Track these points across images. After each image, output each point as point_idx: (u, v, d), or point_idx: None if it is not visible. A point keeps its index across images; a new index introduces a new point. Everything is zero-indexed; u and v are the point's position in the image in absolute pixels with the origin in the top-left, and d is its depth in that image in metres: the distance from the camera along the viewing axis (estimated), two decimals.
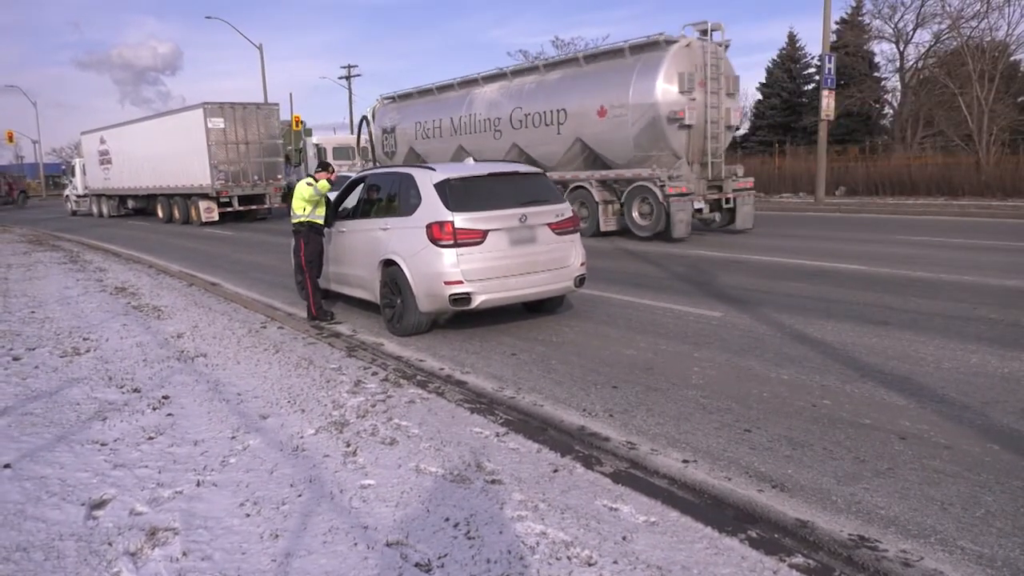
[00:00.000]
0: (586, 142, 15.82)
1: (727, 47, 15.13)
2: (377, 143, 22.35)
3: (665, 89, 14.12)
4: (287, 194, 22.13)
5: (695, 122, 14.34)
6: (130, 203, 31.62)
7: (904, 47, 33.34)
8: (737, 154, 37.16)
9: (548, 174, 10.87)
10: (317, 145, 28.74)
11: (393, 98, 21.94)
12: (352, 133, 31.52)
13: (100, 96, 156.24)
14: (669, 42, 14.40)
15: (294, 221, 8.40)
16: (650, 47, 14.65)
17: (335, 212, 8.69)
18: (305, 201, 8.22)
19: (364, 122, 23.26)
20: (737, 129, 15.55)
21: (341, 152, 27.85)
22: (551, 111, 16.25)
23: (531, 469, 3.94)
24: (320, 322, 8.26)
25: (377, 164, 21.68)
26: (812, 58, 41.71)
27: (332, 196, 8.83)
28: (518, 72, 17.83)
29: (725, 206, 15.40)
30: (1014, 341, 6.22)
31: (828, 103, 22.18)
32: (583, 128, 15.67)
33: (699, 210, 14.83)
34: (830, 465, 4.03)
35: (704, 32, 14.68)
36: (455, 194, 7.07)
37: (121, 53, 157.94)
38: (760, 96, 44.25)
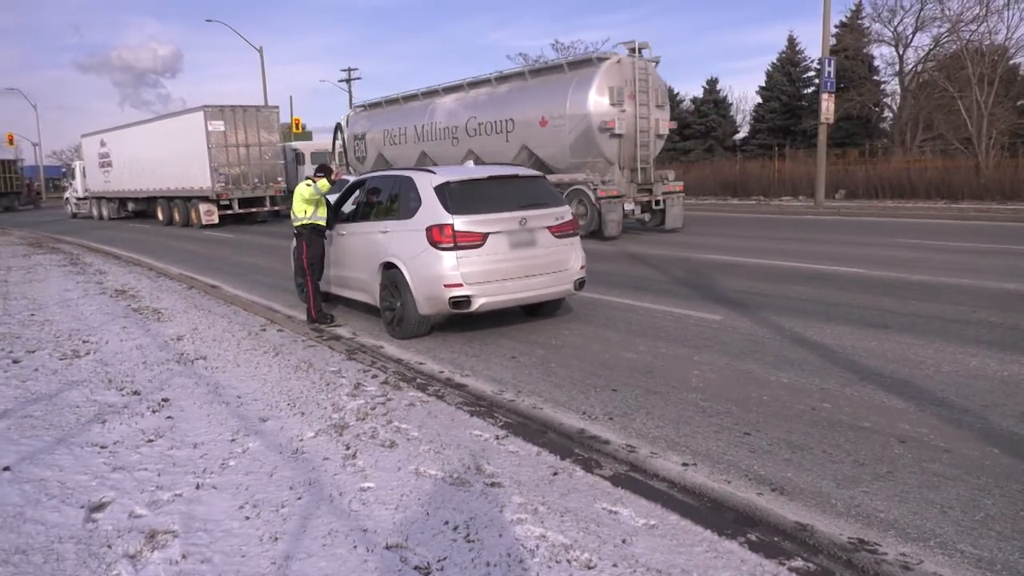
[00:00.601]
0: (531, 149, 17.15)
1: (657, 63, 16.73)
2: (349, 149, 23.83)
3: (597, 101, 15.54)
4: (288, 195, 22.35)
5: (625, 131, 15.81)
6: (130, 206, 31.66)
7: (903, 51, 33.41)
8: (737, 157, 37.27)
9: None
10: (295, 150, 29.00)
11: (364, 106, 23.65)
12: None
13: (100, 99, 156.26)
14: (601, 59, 15.99)
15: (296, 223, 8.40)
16: (585, 63, 16.26)
17: (335, 215, 8.70)
18: (305, 202, 8.23)
19: (338, 129, 24.81)
20: (665, 137, 17.60)
21: (319, 157, 28.43)
22: (501, 120, 17.75)
23: (531, 472, 3.94)
24: (320, 325, 8.26)
25: (350, 169, 23.18)
26: (812, 61, 41.80)
27: (332, 199, 8.84)
28: (474, 84, 19.07)
29: (655, 207, 16.95)
30: (1013, 344, 6.22)
31: (828, 106, 22.22)
32: (528, 136, 17.08)
33: (631, 211, 16.22)
34: (830, 468, 4.03)
35: (634, 50, 16.23)
36: (455, 197, 7.07)
37: (121, 55, 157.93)
38: (760, 99, 44.32)
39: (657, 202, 16.83)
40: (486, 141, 18.22)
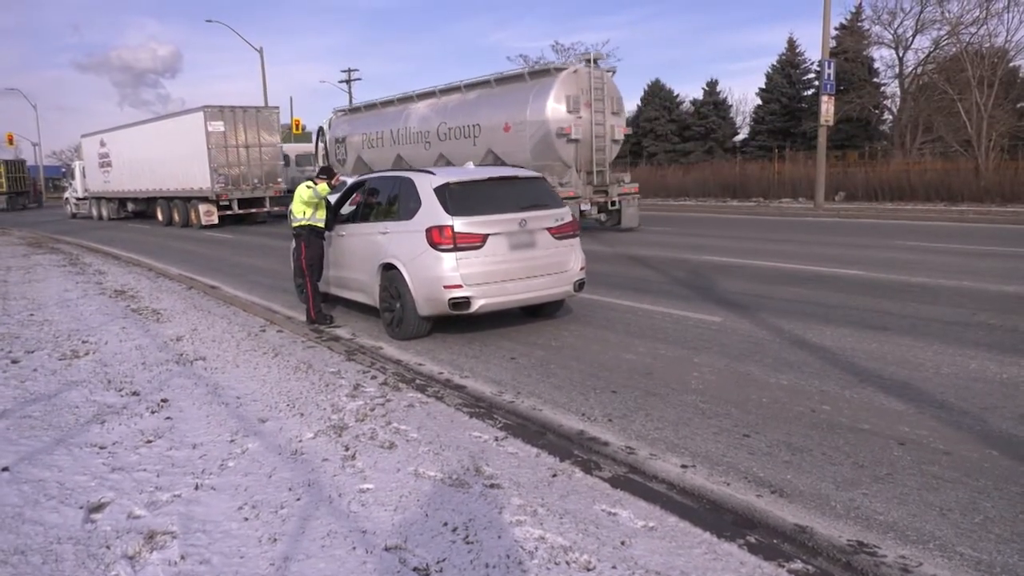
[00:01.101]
0: (496, 153, 18.07)
1: (613, 73, 18.06)
2: (330, 151, 24.72)
3: (555, 108, 16.70)
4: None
5: (581, 137, 16.91)
6: (130, 206, 31.67)
7: (903, 53, 33.44)
8: (737, 159, 37.27)
9: None
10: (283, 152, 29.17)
11: (345, 111, 24.89)
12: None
13: (100, 99, 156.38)
14: (559, 69, 17.27)
15: (294, 225, 8.40)
16: (544, 73, 17.44)
17: (335, 216, 8.70)
18: (305, 204, 8.23)
19: (320, 132, 25.84)
20: (621, 142, 18.84)
21: (304, 159, 29.27)
22: (469, 126, 18.89)
23: (530, 473, 3.94)
24: (319, 326, 8.26)
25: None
26: (812, 63, 41.84)
27: (332, 199, 8.84)
28: (445, 91, 20.16)
29: (611, 208, 17.97)
30: (1013, 347, 6.22)
31: (828, 108, 22.24)
32: (493, 141, 18.11)
33: (587, 211, 17.13)
34: (829, 470, 4.03)
35: (590, 61, 17.60)
36: (455, 198, 7.07)
37: (121, 55, 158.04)
38: (759, 101, 44.35)
39: (613, 203, 17.84)
40: (455, 145, 19.26)
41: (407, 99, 21.53)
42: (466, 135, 18.96)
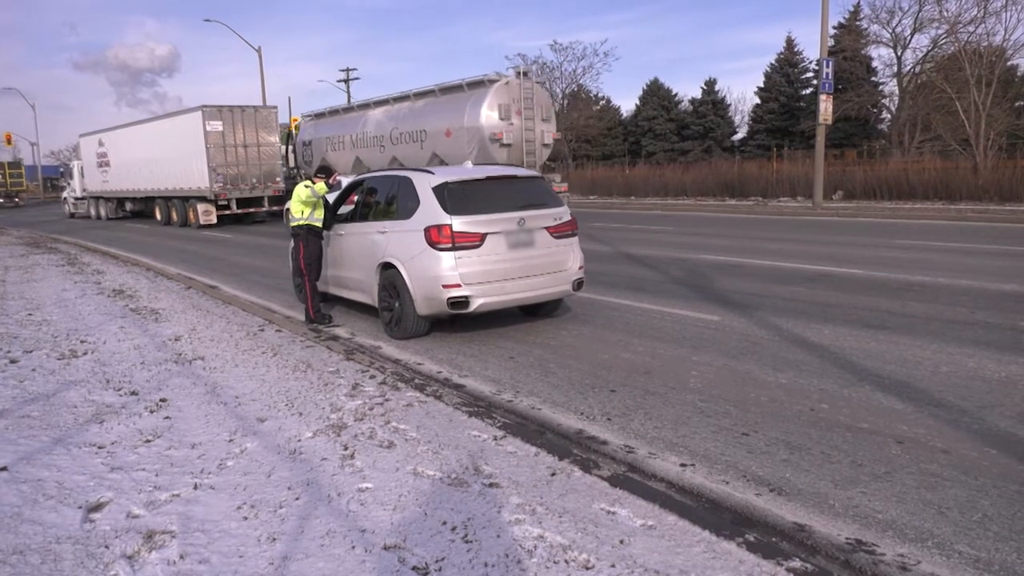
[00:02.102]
0: (440, 156, 19.79)
1: (543, 84, 20.31)
2: (299, 153, 26.53)
3: (488, 116, 18.51)
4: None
5: (513, 141, 18.65)
6: (128, 205, 31.62)
7: (902, 52, 33.46)
8: (736, 158, 37.28)
9: None
10: None
11: (311, 116, 26.59)
12: None
13: (98, 98, 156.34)
14: (492, 81, 18.90)
15: (292, 224, 8.40)
16: (480, 84, 19.06)
17: (333, 215, 8.70)
18: (303, 204, 8.23)
19: (289, 136, 27.86)
20: (551, 146, 20.54)
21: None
22: (417, 131, 20.75)
23: (529, 472, 3.94)
24: (318, 325, 8.25)
25: (300, 172, 26.18)
26: (810, 62, 41.92)
27: (331, 199, 8.83)
28: (398, 99, 22.17)
29: None
30: (1011, 345, 6.23)
31: (826, 107, 22.24)
32: (437, 145, 19.93)
33: None
34: (827, 469, 4.03)
35: (520, 73, 19.39)
36: (453, 197, 7.07)
37: (119, 55, 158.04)
38: (758, 100, 44.40)
39: None
40: (406, 148, 21.22)
41: (365, 106, 23.66)
42: (415, 139, 20.85)
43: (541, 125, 19.37)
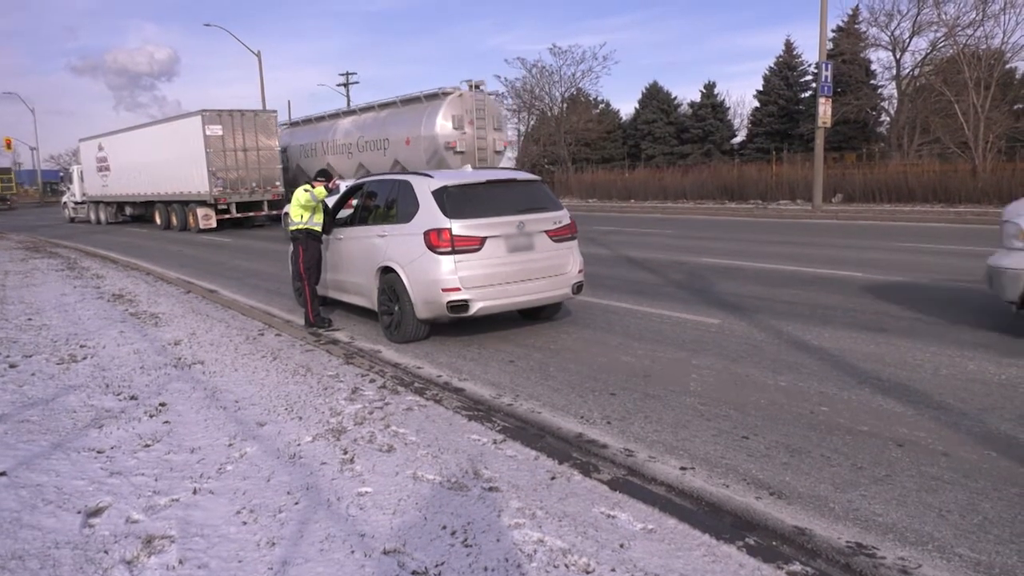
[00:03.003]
0: (401, 163, 21.48)
1: (495, 95, 21.80)
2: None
3: (443, 125, 20.42)
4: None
5: (466, 149, 20.50)
6: (128, 210, 31.64)
7: (900, 55, 33.43)
8: (735, 161, 37.30)
9: None
10: None
11: (288, 124, 29.35)
12: None
13: (98, 102, 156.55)
14: (446, 93, 20.73)
15: (292, 228, 8.40)
16: (435, 96, 20.93)
17: (333, 219, 8.70)
18: (302, 208, 8.23)
19: None
20: (503, 153, 22.39)
21: None
22: (380, 139, 22.83)
23: (528, 476, 3.94)
24: (318, 329, 8.25)
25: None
26: (809, 66, 41.91)
27: (331, 203, 8.83)
28: (364, 110, 24.33)
29: None
30: (1011, 348, 6.23)
31: (825, 110, 22.26)
32: (398, 152, 21.89)
33: None
34: (828, 472, 4.03)
35: (472, 86, 21.12)
36: (453, 201, 7.07)
37: (119, 59, 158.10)
38: (757, 103, 44.42)
39: None
40: (370, 155, 23.18)
41: (335, 116, 25.90)
42: (379, 147, 22.74)
43: (493, 134, 21.21)
